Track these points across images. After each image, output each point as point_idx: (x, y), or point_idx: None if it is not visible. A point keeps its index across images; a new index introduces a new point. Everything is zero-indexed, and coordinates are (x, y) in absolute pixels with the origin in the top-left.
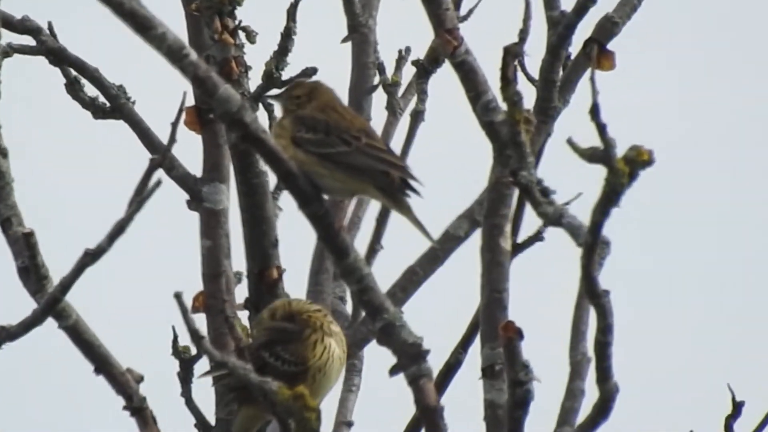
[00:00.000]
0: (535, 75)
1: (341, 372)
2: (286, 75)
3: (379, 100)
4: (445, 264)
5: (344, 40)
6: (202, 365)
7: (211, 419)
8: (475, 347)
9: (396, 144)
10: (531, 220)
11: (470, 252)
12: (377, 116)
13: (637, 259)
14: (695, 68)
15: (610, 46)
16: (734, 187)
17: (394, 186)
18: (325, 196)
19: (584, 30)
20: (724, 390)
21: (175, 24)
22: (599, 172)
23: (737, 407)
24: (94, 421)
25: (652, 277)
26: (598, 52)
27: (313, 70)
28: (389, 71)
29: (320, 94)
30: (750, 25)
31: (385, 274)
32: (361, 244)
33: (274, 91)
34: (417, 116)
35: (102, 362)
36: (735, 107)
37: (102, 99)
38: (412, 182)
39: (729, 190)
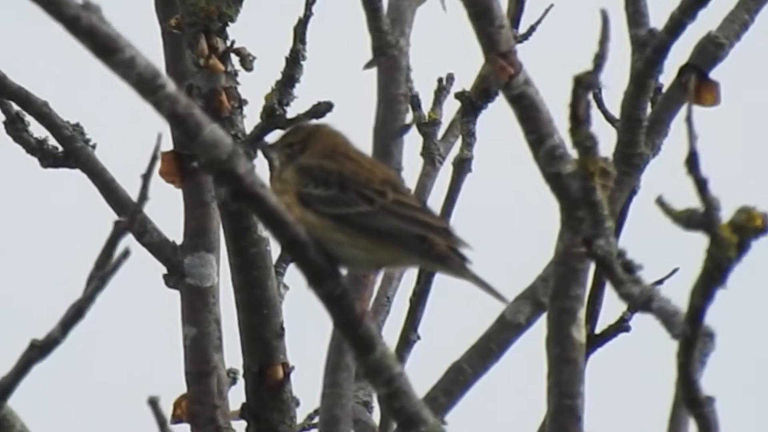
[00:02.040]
0: (616, 113)
1: None
2: (292, 112)
3: (412, 143)
4: (501, 360)
5: (368, 66)
6: None
7: None
8: None
9: (434, 201)
10: (611, 304)
11: (533, 344)
12: (410, 165)
13: (748, 356)
14: None
15: (712, 74)
16: None
17: (435, 253)
18: (343, 270)
19: (679, 54)
20: None
21: (149, 46)
22: (699, 241)
23: None
24: None
25: None
26: (697, 83)
27: (327, 106)
28: (426, 106)
29: (319, 140)
30: None
31: (422, 372)
32: (390, 332)
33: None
34: (462, 165)
35: None
36: None
37: (53, 141)
38: (459, 248)
39: None
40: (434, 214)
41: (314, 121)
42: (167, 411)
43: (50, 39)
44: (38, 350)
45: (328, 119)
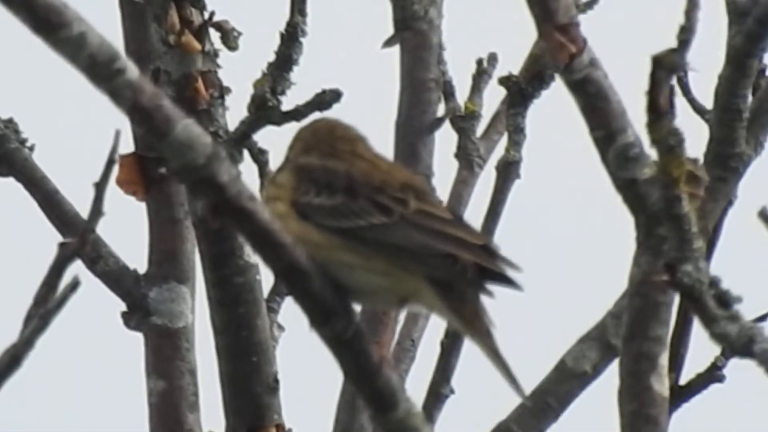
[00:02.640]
0: (708, 102)
1: None
2: (288, 103)
3: (445, 142)
4: (561, 419)
5: (388, 44)
6: None
7: None
8: None
9: (474, 212)
10: (702, 347)
11: (602, 397)
12: (442, 169)
13: None
14: None
15: None
16: None
17: (465, 281)
18: (357, 306)
19: None
20: None
21: (104, 18)
22: None
23: None
24: None
25: None
26: None
27: (334, 95)
28: (462, 95)
29: (326, 135)
30: None
31: None
32: (417, 384)
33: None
34: (508, 169)
35: None
36: None
37: None
38: (500, 270)
39: None
40: (471, 228)
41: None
42: None
43: None
44: None
45: (335, 112)
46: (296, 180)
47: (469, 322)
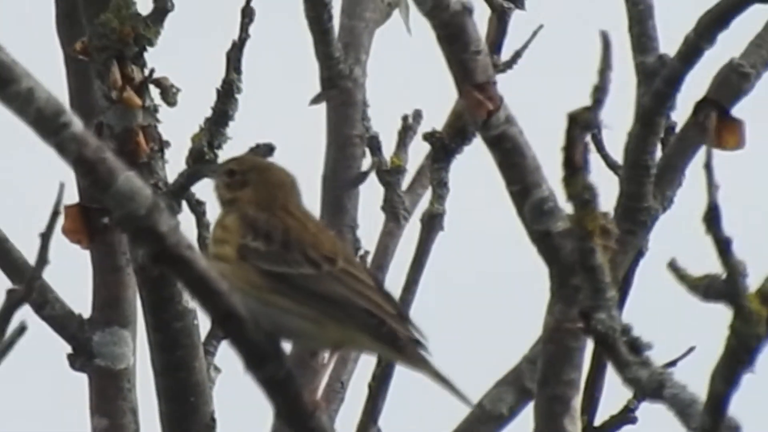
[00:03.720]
0: (619, 158)
1: None
2: (224, 155)
3: (371, 195)
4: None
5: (315, 101)
6: None
7: None
8: None
9: (398, 266)
10: (614, 391)
11: None
12: (368, 221)
13: None
14: None
15: (735, 111)
16: None
17: (386, 331)
18: (288, 349)
19: (696, 86)
20: None
21: (50, 74)
22: (721, 314)
23: None
24: None
25: None
26: (717, 121)
27: (267, 149)
28: (387, 150)
29: (264, 182)
30: None
31: None
32: (346, 425)
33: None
34: (432, 222)
35: None
36: None
37: None
38: (412, 336)
39: None
40: (390, 296)
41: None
42: None
43: None
44: None
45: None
46: (241, 227)
47: (408, 355)
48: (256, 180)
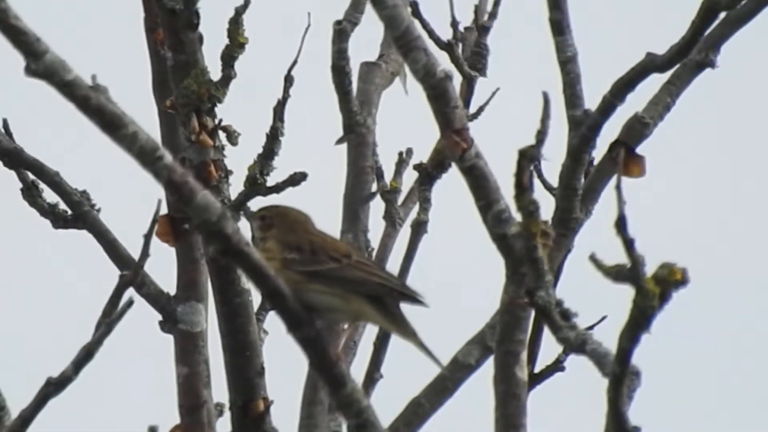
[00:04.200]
0: (554, 182)
1: None
2: (271, 180)
3: (377, 209)
4: (455, 396)
5: (339, 142)
6: None
7: None
8: None
9: (395, 259)
10: (550, 347)
11: (482, 382)
12: (375, 227)
13: (670, 391)
14: (736, 175)
15: (639, 149)
16: None
17: (394, 298)
18: (318, 321)
19: (610, 131)
20: None
21: (148, 122)
22: (627, 292)
23: None
24: None
25: (689, 411)
26: (625, 157)
27: (302, 176)
28: (388, 176)
29: (286, 220)
30: None
31: (386, 406)
32: (357, 371)
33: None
34: (419, 227)
35: None
36: None
37: (63, 206)
38: (415, 296)
39: None
40: (392, 274)
41: (286, 204)
42: None
43: (63, 116)
44: (53, 386)
45: (303, 188)
46: (280, 247)
47: (401, 327)
48: (279, 222)
